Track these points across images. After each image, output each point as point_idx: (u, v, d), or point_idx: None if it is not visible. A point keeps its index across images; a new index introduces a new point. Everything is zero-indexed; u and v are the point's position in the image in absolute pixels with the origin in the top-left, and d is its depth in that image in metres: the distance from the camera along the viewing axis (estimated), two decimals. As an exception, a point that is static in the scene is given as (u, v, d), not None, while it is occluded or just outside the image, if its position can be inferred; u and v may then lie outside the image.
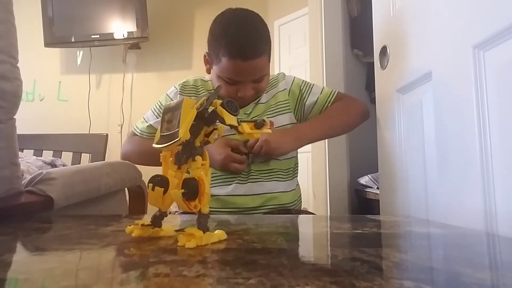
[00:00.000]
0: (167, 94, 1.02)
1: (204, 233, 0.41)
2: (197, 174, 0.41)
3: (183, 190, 0.39)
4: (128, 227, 0.45)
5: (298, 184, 1.03)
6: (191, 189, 0.40)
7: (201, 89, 1.00)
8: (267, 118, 0.87)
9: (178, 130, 0.39)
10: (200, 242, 0.40)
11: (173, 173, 0.41)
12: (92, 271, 0.32)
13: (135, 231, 0.44)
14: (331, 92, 1.00)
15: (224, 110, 0.43)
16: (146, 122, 1.02)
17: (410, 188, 0.88)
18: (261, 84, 0.92)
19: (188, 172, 0.43)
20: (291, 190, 0.97)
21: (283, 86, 1.01)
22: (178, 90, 0.99)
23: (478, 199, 0.61)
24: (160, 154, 0.45)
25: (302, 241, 0.46)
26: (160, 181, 0.41)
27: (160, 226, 0.45)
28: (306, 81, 1.03)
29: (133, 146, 1.02)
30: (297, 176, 1.03)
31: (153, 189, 0.41)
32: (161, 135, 0.42)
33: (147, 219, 0.46)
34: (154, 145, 0.42)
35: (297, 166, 1.03)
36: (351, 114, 0.99)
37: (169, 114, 0.42)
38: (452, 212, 0.69)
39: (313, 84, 1.02)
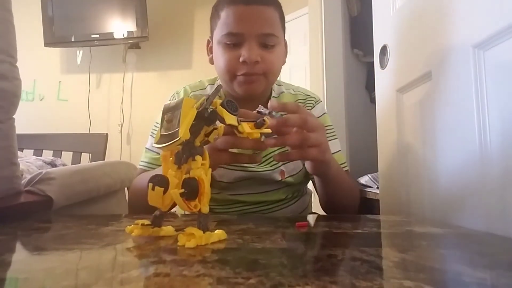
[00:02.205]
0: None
1: (204, 232, 0.41)
2: (197, 174, 0.41)
3: (183, 190, 0.39)
4: (128, 226, 0.45)
5: (310, 199, 0.95)
6: (191, 189, 0.40)
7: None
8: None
9: (178, 129, 0.39)
10: (200, 242, 0.40)
11: (173, 173, 0.41)
12: (92, 271, 0.32)
13: (135, 231, 0.45)
14: (343, 163, 0.85)
15: (224, 109, 0.43)
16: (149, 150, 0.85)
17: (410, 187, 0.88)
18: (270, 55, 0.74)
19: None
20: (303, 211, 0.90)
21: (316, 112, 0.86)
22: None
23: (478, 199, 0.61)
24: (161, 155, 0.45)
25: (302, 241, 0.46)
26: (160, 181, 0.41)
27: (160, 226, 0.45)
28: (331, 127, 0.88)
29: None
30: (303, 194, 0.91)
31: (153, 189, 0.41)
32: (161, 135, 0.42)
33: (147, 219, 0.45)
34: (154, 145, 0.42)
35: (301, 190, 0.91)
36: (355, 196, 0.81)
37: (169, 113, 0.42)
38: (452, 212, 0.69)
39: (336, 138, 0.88)
